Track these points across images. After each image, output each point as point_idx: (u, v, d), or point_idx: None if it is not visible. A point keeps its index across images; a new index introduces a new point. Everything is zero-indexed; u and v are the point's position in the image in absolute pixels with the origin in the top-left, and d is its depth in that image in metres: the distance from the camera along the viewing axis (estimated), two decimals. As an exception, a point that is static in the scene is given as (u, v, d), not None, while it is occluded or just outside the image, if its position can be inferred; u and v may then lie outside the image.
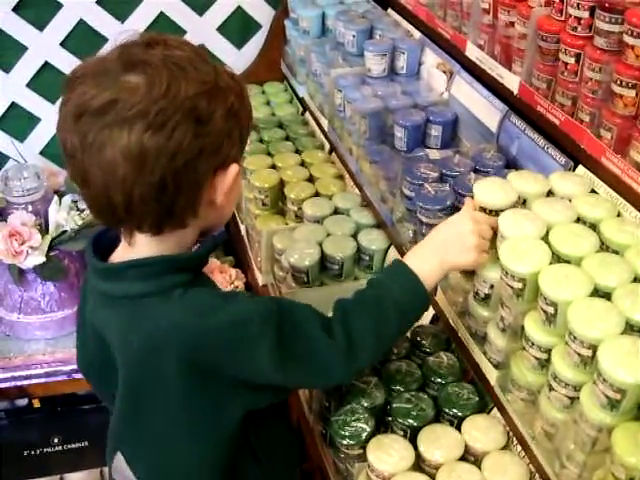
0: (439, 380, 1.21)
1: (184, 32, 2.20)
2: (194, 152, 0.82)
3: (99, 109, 0.78)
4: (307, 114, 2.06)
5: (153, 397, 0.93)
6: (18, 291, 1.92)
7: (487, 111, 1.48)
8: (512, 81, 1.30)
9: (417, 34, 1.76)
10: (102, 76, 0.80)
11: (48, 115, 2.18)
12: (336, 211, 1.64)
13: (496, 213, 1.06)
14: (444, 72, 1.65)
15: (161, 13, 2.15)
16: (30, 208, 1.89)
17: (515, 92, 1.30)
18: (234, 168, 0.88)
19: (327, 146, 1.89)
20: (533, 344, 0.94)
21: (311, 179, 1.76)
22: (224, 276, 2.12)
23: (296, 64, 2.04)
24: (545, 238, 1.00)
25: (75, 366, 1.29)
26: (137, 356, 0.90)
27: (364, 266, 1.56)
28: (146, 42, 0.84)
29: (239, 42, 2.28)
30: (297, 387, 1.12)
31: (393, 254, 1.51)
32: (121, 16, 2.12)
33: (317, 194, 1.70)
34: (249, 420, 0.96)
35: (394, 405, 1.16)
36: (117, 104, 0.78)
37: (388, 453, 1.08)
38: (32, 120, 2.20)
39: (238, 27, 2.25)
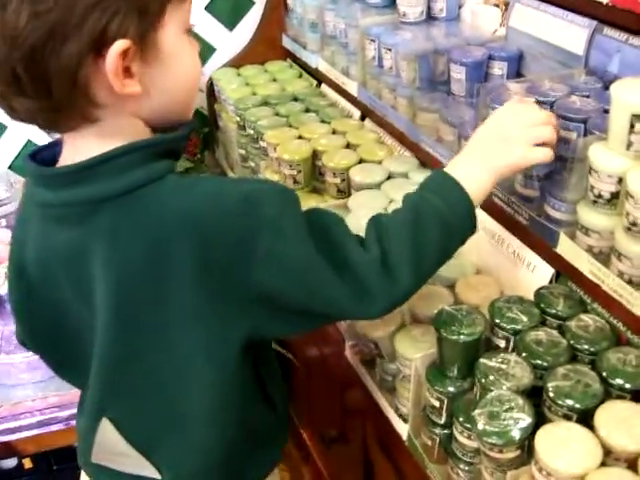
0: (592, 348, 0.92)
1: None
2: (38, 35, 0.67)
3: None
4: (324, 86, 1.78)
5: (154, 325, 0.78)
6: (-4, 325, 1.58)
7: (567, 33, 1.23)
8: (601, -11, 1.06)
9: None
10: None
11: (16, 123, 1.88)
12: (389, 177, 1.36)
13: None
14: (496, 5, 1.41)
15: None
16: (4, 223, 1.57)
17: (605, 1, 1.07)
18: (117, 45, 0.70)
19: (357, 114, 1.62)
20: None
21: (349, 147, 1.47)
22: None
23: (305, 32, 1.77)
24: None
25: (74, 410, 1.03)
26: (138, 262, 0.75)
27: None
28: None
29: (230, 23, 2.01)
30: (322, 315, 0.82)
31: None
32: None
33: (361, 162, 1.41)
34: (259, 361, 0.89)
35: (549, 384, 0.86)
36: None
37: (568, 447, 0.78)
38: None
39: (228, 6, 1.99)
